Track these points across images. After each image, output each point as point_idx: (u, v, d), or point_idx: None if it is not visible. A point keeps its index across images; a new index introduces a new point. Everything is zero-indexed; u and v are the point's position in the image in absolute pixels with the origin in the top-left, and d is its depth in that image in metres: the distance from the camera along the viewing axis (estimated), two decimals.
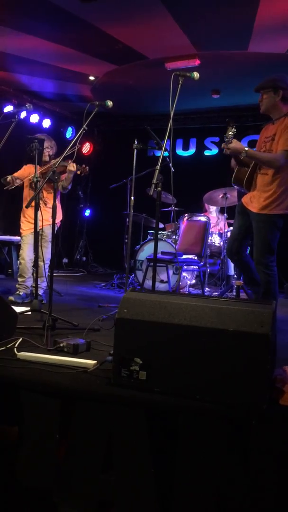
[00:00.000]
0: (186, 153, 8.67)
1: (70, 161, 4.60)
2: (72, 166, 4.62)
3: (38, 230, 4.15)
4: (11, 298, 4.48)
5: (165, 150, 3.27)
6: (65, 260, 9.02)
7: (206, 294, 5.67)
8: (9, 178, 4.67)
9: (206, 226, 5.70)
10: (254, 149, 3.90)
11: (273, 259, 3.63)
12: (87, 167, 4.77)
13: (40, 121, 7.89)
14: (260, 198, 3.63)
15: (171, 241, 5.99)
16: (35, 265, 4.20)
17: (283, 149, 3.49)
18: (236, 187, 4.06)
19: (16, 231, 5.03)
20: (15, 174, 4.81)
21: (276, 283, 3.64)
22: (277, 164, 3.51)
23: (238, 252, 3.90)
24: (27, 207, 4.62)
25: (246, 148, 3.55)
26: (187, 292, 5.95)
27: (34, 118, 7.76)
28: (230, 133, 3.56)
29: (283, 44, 5.50)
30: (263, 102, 3.67)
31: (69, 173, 4.65)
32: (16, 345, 2.74)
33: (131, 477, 2.07)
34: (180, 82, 3.22)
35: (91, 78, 6.96)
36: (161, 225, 6.82)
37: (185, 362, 2.08)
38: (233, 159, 3.84)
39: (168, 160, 3.91)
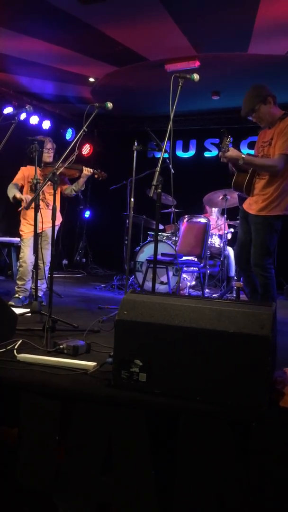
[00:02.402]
0: (186, 155, 8.67)
1: (83, 166, 4.60)
2: (88, 170, 4.62)
3: (39, 232, 4.15)
4: (11, 302, 4.44)
5: (165, 151, 3.27)
6: (65, 262, 9.02)
7: (206, 295, 5.67)
8: (23, 198, 4.60)
9: (206, 228, 5.70)
10: (253, 152, 3.91)
11: (270, 261, 3.63)
12: (103, 172, 4.77)
13: (40, 122, 7.89)
14: (258, 201, 3.64)
15: (171, 242, 5.99)
16: (35, 267, 4.19)
17: (280, 153, 3.49)
18: (236, 192, 4.07)
19: (16, 232, 5.02)
20: (15, 180, 4.78)
21: (274, 285, 3.64)
22: (274, 169, 3.52)
23: (248, 260, 3.74)
24: (26, 209, 4.62)
25: (243, 156, 3.56)
26: (187, 294, 5.95)
27: (34, 120, 7.75)
28: (226, 142, 3.56)
29: (283, 46, 5.50)
30: (261, 118, 3.65)
31: (84, 177, 4.65)
32: (16, 347, 2.75)
33: (131, 479, 2.07)
34: (180, 83, 3.23)
35: (91, 79, 6.96)
36: (161, 227, 6.81)
37: (185, 364, 2.07)
38: (231, 165, 3.84)
39: (168, 161, 3.91)
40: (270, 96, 3.60)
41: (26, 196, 4.63)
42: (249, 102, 3.61)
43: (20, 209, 4.73)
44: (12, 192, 4.67)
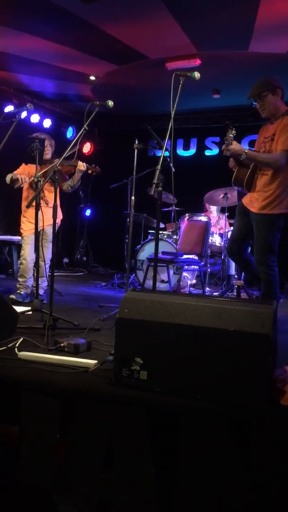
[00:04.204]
0: (186, 153, 8.66)
1: (78, 161, 4.61)
2: (82, 166, 4.63)
3: (39, 230, 4.15)
4: (12, 296, 4.48)
5: (166, 150, 3.26)
6: (65, 260, 9.02)
7: (206, 294, 5.67)
8: (18, 177, 4.65)
9: (206, 226, 5.69)
10: (253, 149, 3.90)
11: (274, 259, 3.62)
12: (98, 167, 4.77)
13: (41, 121, 7.88)
14: (259, 198, 3.63)
15: (172, 241, 5.99)
16: (36, 265, 4.20)
17: (283, 149, 3.48)
18: (236, 188, 4.06)
19: (17, 231, 5.02)
20: (16, 172, 4.80)
21: (277, 283, 3.64)
22: (277, 165, 3.51)
23: (238, 252, 3.92)
24: (27, 207, 4.60)
25: (246, 150, 3.56)
26: (187, 292, 5.95)
27: (35, 118, 7.75)
28: (230, 135, 3.57)
29: (283, 44, 5.50)
30: (264, 107, 3.64)
31: (79, 172, 4.66)
32: (17, 345, 2.75)
33: (132, 477, 2.07)
34: (181, 82, 3.22)
35: (92, 78, 6.96)
36: (161, 225, 6.82)
37: (186, 362, 2.08)
38: (232, 160, 3.84)
39: (168, 160, 3.90)
40: (280, 89, 3.60)
41: (22, 176, 4.62)
42: (259, 86, 3.62)
43: (16, 186, 4.70)
44: (9, 176, 4.70)
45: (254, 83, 3.67)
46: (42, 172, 4.38)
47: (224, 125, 3.69)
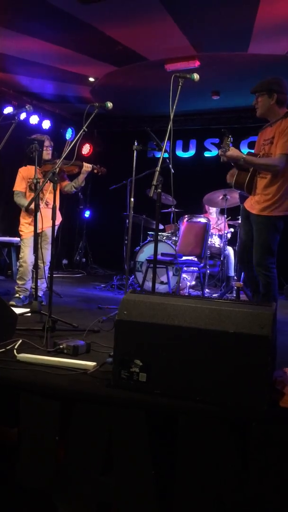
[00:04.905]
0: (186, 154, 8.67)
1: (84, 162, 4.61)
2: (88, 167, 4.63)
3: (38, 232, 4.14)
4: (12, 302, 4.44)
5: (165, 151, 3.26)
6: (64, 262, 9.02)
7: (206, 295, 5.67)
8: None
9: (206, 228, 5.69)
10: (253, 150, 3.91)
11: (273, 261, 3.62)
12: (103, 167, 4.77)
13: (40, 122, 7.88)
14: (260, 201, 3.64)
15: (171, 242, 5.99)
16: (35, 266, 4.19)
17: (281, 152, 3.49)
18: (237, 190, 4.06)
19: (16, 232, 5.02)
20: (19, 188, 4.76)
21: (276, 285, 3.64)
22: (275, 169, 3.51)
23: (250, 261, 3.74)
24: (26, 210, 4.60)
25: (244, 156, 3.56)
26: (187, 294, 5.95)
27: (34, 119, 7.75)
28: (227, 142, 3.57)
29: (283, 46, 5.50)
30: (258, 105, 3.67)
31: (84, 173, 4.67)
32: (15, 347, 2.75)
33: (131, 478, 2.07)
34: (180, 83, 3.22)
35: (91, 79, 6.96)
36: (161, 227, 6.81)
37: (185, 364, 2.07)
38: (230, 175, 3.84)
39: (168, 161, 3.91)
40: (278, 93, 3.57)
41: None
42: (260, 84, 3.63)
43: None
44: (24, 201, 4.69)
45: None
46: (45, 170, 4.37)
47: (224, 126, 3.70)
